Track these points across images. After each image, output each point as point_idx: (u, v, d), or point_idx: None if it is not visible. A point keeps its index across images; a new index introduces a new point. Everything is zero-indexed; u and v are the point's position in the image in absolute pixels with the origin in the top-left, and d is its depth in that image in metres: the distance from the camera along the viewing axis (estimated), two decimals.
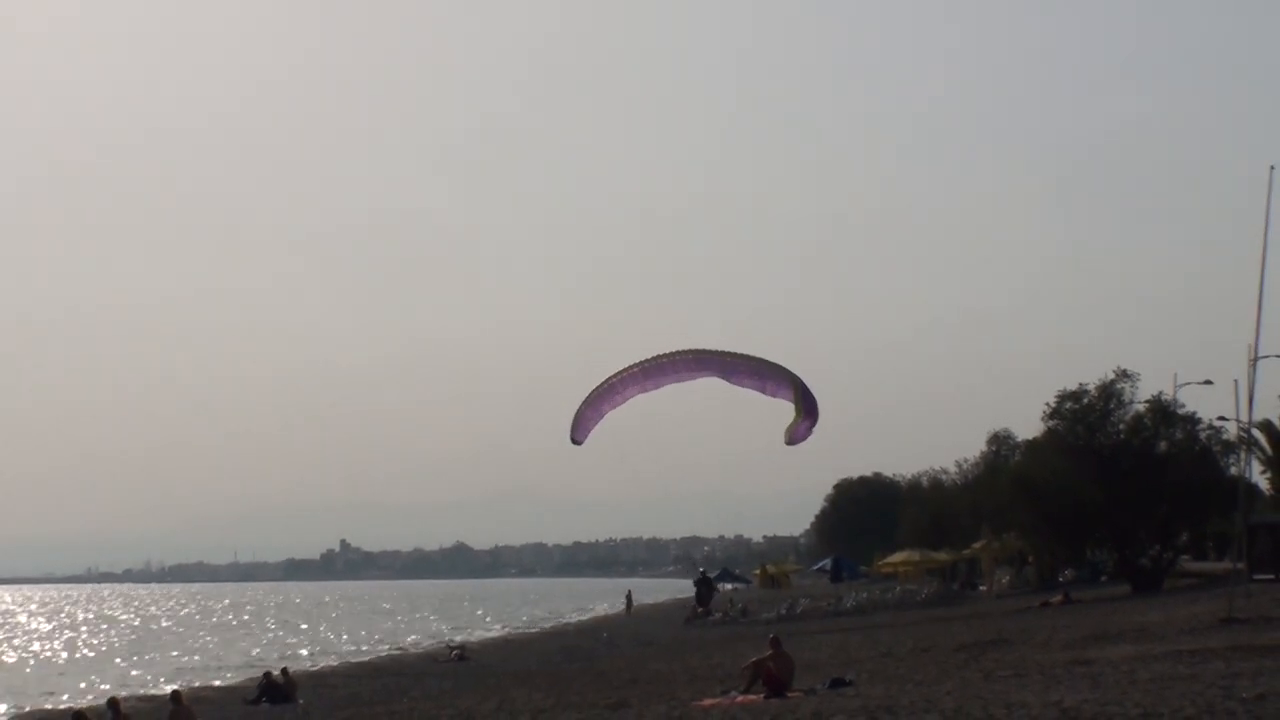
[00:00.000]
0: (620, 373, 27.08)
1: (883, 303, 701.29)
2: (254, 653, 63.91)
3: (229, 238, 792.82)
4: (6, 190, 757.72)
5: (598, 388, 27.14)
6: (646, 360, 26.73)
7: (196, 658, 61.53)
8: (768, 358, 26.67)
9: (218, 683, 44.37)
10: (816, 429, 26.25)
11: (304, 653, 62.32)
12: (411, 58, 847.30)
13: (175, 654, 65.16)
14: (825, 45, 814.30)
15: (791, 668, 24.86)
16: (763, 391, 26.14)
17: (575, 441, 27.55)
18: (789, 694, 23.61)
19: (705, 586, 71.38)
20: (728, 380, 26.56)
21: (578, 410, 27.21)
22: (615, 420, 27.55)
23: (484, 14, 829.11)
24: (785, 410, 26.07)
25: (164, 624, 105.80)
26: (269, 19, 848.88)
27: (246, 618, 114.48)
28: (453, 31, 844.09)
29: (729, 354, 26.71)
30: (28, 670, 57.28)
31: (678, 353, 26.68)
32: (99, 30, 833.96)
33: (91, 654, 67.59)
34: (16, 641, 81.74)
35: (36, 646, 75.30)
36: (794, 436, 25.90)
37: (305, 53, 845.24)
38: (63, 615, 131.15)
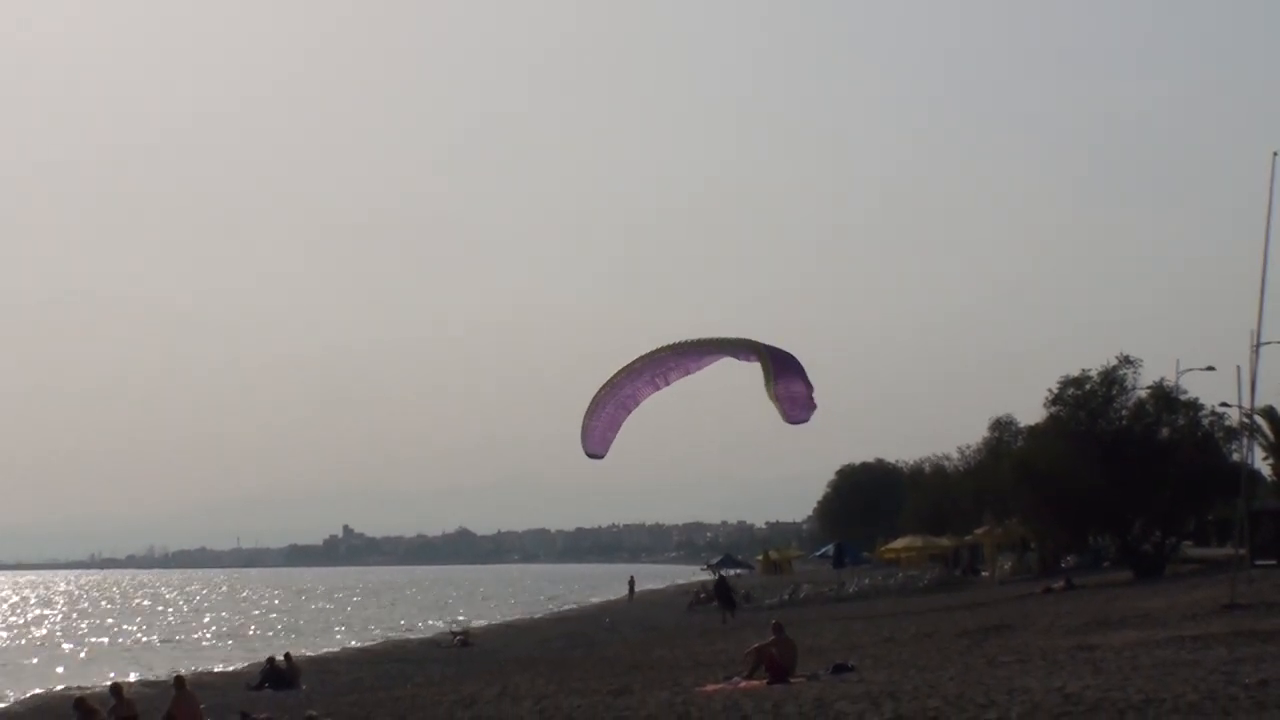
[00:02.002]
0: (615, 377, 24.78)
1: (886, 290, 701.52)
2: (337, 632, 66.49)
3: (235, 229, 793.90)
4: (13, 180, 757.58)
5: (598, 395, 24.88)
6: (634, 361, 24.57)
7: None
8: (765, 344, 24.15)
9: (218, 668, 44.32)
10: (820, 413, 23.81)
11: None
12: (421, 52, 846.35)
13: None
14: (837, 38, 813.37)
15: (794, 653, 24.91)
16: (736, 358, 23.79)
17: (594, 455, 25.31)
18: (792, 680, 23.63)
19: (726, 595, 56.96)
20: (699, 361, 24.28)
21: (584, 422, 25.02)
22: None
23: (497, 9, 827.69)
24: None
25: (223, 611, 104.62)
26: (280, 17, 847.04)
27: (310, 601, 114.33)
28: (464, 26, 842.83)
29: (702, 341, 24.50)
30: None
31: (655, 351, 24.43)
32: (103, 30, 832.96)
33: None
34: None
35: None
36: (791, 413, 23.10)
37: (314, 48, 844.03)
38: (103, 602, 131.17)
